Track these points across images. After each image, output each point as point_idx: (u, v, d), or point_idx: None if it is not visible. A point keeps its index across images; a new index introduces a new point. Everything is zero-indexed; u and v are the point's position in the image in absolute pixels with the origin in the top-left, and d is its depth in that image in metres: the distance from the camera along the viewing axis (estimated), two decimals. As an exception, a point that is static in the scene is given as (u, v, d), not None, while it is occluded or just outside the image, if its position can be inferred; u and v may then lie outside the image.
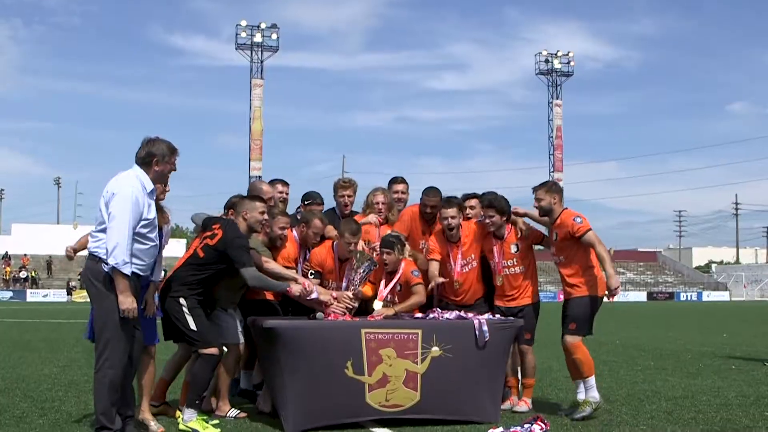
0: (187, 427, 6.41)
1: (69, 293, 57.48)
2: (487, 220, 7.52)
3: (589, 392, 7.19)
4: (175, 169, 6.23)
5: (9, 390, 8.79)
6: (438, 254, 7.63)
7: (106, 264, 5.75)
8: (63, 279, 65.74)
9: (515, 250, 7.58)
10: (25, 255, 67.67)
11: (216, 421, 6.63)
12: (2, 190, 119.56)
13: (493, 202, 7.52)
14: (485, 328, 6.78)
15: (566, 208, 7.49)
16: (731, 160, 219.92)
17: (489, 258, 7.70)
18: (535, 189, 7.52)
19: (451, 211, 7.56)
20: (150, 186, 6.00)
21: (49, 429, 6.50)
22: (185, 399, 6.75)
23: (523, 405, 7.52)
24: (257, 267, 6.79)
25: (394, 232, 7.63)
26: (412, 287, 7.43)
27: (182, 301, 6.51)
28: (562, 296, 7.64)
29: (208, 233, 6.72)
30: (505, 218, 7.55)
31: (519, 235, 7.60)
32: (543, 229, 7.77)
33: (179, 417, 6.64)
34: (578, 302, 7.31)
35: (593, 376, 7.25)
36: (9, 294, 59.21)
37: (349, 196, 8.30)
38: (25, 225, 76.67)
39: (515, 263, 7.58)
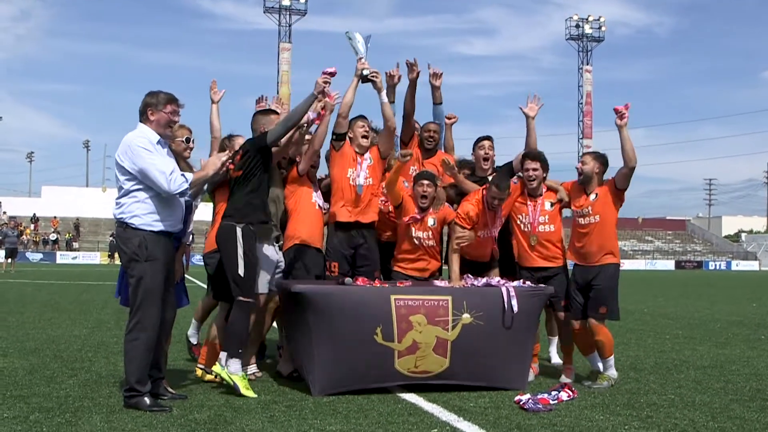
0: (229, 377, 6.41)
1: (111, 256, 57.48)
2: (532, 174, 7.38)
3: (609, 370, 7.20)
4: (174, 120, 6.12)
5: (40, 350, 8.89)
6: (469, 225, 7.39)
7: (133, 229, 5.83)
8: (91, 241, 66.40)
9: (549, 207, 7.44)
10: (55, 217, 68.33)
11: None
12: (32, 152, 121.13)
13: (540, 155, 7.46)
14: (514, 302, 6.72)
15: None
16: (763, 128, 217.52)
17: (520, 213, 7.49)
18: (584, 154, 7.51)
19: (535, 164, 7.45)
20: (155, 137, 5.98)
21: (79, 389, 6.57)
22: (207, 360, 6.95)
23: (571, 375, 7.43)
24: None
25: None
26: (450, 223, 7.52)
27: (238, 231, 6.51)
28: (577, 262, 7.42)
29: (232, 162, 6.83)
30: (545, 175, 7.48)
31: (557, 201, 7.46)
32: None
33: (203, 374, 6.83)
34: (610, 274, 7.17)
35: (613, 356, 7.24)
36: (39, 256, 59.86)
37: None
38: (55, 187, 77.29)
39: (547, 221, 7.43)
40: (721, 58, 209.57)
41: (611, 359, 7.22)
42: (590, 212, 7.22)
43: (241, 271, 6.47)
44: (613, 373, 7.21)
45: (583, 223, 7.28)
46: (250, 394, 6.36)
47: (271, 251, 7.16)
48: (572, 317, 7.35)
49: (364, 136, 7.61)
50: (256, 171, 6.63)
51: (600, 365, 7.30)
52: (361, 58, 7.46)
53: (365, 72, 7.42)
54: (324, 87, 6.78)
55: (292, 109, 6.81)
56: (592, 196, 7.25)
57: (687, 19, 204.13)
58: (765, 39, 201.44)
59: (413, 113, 8.04)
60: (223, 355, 6.53)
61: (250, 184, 6.63)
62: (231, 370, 6.43)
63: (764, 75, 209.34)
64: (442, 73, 8.12)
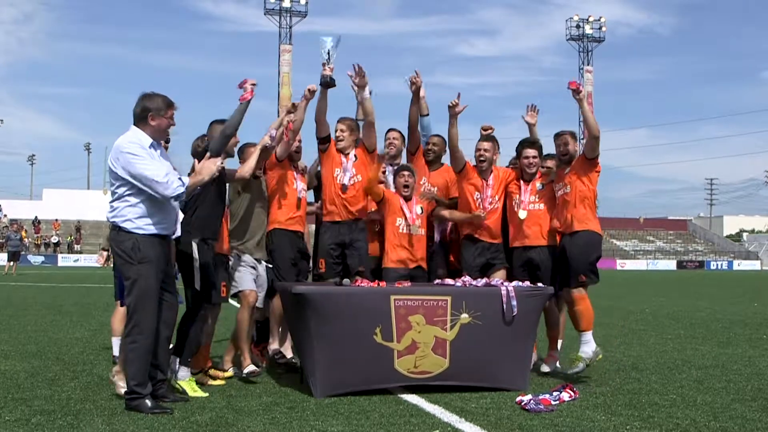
0: (178, 384, 6.49)
1: (108, 258, 57.49)
2: (532, 161, 7.76)
3: (583, 346, 7.26)
4: (173, 124, 6.12)
5: (41, 353, 8.90)
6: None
7: (126, 232, 5.84)
8: (93, 244, 66.39)
9: (540, 187, 7.77)
10: (56, 220, 68.36)
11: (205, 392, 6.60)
12: (33, 155, 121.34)
13: (538, 143, 7.90)
14: (514, 303, 6.73)
15: None
16: (764, 128, 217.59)
17: (515, 195, 7.82)
18: (561, 134, 7.66)
19: (486, 144, 7.84)
20: (147, 141, 5.94)
21: (80, 392, 6.57)
22: (201, 362, 7.03)
23: (552, 362, 7.67)
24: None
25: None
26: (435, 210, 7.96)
27: (194, 247, 6.50)
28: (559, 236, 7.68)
29: None
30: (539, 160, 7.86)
31: (546, 180, 7.78)
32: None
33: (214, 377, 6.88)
34: (580, 240, 7.32)
35: (591, 331, 7.29)
36: (40, 258, 59.90)
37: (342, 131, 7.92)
38: (56, 190, 77.39)
39: (537, 199, 7.73)
40: (721, 58, 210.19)
41: (588, 334, 7.26)
42: (564, 184, 7.49)
43: (197, 285, 6.54)
44: (587, 350, 7.21)
45: (558, 195, 7.57)
46: (201, 393, 6.43)
47: (261, 268, 7.45)
48: (562, 291, 7.53)
49: (338, 139, 7.74)
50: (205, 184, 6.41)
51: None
52: (324, 64, 7.52)
53: (323, 78, 7.49)
54: (251, 96, 6.63)
55: (227, 121, 6.63)
56: (567, 170, 7.51)
57: (687, 19, 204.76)
58: (765, 39, 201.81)
59: (417, 125, 8.15)
60: (174, 361, 6.57)
61: (201, 197, 6.58)
62: (180, 375, 6.53)
63: (765, 75, 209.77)
64: (421, 83, 7.99)
